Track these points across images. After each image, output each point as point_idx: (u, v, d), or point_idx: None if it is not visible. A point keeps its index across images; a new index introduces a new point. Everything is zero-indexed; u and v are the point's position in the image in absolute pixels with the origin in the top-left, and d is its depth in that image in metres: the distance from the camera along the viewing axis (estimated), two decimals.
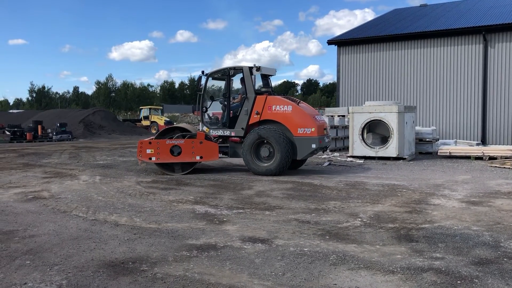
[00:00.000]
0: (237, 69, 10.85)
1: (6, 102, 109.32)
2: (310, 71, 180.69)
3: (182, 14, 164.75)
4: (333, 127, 16.88)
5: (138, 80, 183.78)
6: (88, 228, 5.36)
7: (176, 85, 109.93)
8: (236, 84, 11.14)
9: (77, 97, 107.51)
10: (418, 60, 19.33)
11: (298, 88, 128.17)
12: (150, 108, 39.74)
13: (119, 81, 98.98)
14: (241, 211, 6.36)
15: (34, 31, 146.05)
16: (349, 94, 21.24)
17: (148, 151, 10.05)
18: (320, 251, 4.44)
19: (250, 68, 10.62)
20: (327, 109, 20.72)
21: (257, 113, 10.38)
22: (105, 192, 7.89)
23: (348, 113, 14.48)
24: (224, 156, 10.89)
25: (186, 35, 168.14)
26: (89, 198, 7.36)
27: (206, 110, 11.14)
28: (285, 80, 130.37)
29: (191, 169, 10.34)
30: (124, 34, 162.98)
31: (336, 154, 15.47)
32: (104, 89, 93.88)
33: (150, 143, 10.13)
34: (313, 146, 10.09)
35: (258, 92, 10.64)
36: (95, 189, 8.21)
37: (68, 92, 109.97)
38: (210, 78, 11.18)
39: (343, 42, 21.31)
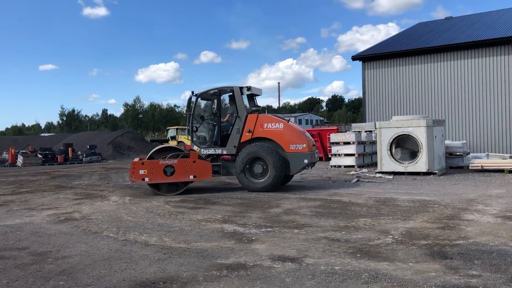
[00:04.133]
0: (228, 89, 11.13)
1: (38, 126, 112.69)
2: (335, 87, 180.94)
3: (206, 35, 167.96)
4: (360, 142, 16.73)
5: (165, 101, 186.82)
6: (119, 248, 5.42)
7: (202, 106, 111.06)
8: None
9: (106, 119, 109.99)
10: (445, 73, 19.08)
11: (323, 104, 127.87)
12: (177, 129, 40.24)
13: (146, 103, 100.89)
14: (269, 229, 6.32)
15: (63, 56, 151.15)
16: (375, 109, 21.07)
17: (141, 171, 9.97)
18: (351, 269, 4.36)
19: (241, 88, 10.91)
20: (353, 124, 20.56)
21: (249, 131, 10.61)
22: (134, 212, 7.98)
23: (376, 128, 14.33)
24: (215, 174, 10.85)
25: (210, 55, 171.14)
26: (119, 218, 7.45)
27: (196, 130, 11.25)
28: (309, 97, 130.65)
29: (184, 189, 10.34)
30: (150, 57, 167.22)
31: (364, 170, 15.29)
32: (132, 110, 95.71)
33: (143, 163, 10.08)
34: (306, 161, 10.38)
35: (248, 111, 10.92)
36: (125, 210, 8.32)
37: (97, 115, 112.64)
38: (199, 98, 11.38)
39: (368, 58, 21.24)
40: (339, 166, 16.54)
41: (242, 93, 10.88)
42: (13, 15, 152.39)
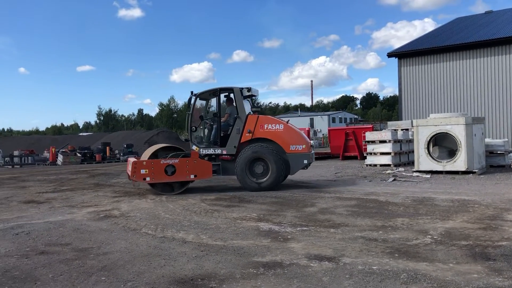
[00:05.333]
0: (227, 90, 11.13)
1: (76, 125, 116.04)
2: (369, 85, 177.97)
3: (238, 35, 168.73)
4: (397, 141, 16.44)
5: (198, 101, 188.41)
6: (157, 245, 5.53)
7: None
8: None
9: (142, 119, 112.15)
10: (485, 69, 18.50)
11: (357, 102, 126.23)
12: None
13: (180, 102, 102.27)
14: (305, 228, 6.31)
15: (99, 58, 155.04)
16: (412, 107, 20.66)
17: (143, 171, 9.94)
18: (389, 269, 4.31)
19: (241, 89, 10.91)
20: (389, 122, 20.23)
21: (249, 132, 10.68)
22: (171, 210, 8.12)
23: (412, 126, 14.04)
24: (214, 174, 10.80)
25: (243, 54, 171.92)
26: (157, 216, 7.60)
27: (196, 130, 11.27)
28: (343, 94, 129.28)
29: (184, 188, 10.38)
30: (184, 57, 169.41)
31: (401, 169, 15.02)
32: (167, 110, 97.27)
33: (144, 163, 10.07)
34: (305, 161, 10.70)
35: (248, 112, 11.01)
36: (162, 207, 8.47)
37: (133, 115, 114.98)
38: (198, 99, 11.35)
39: (404, 54, 20.84)
40: (375, 165, 16.31)
41: (242, 94, 10.92)
42: (51, 19, 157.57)
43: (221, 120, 11.02)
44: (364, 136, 17.48)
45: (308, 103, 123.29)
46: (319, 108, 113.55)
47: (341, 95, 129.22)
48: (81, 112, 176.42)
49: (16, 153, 29.31)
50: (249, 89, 11.00)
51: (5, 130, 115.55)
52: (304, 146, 10.73)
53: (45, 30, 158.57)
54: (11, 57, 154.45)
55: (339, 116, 79.83)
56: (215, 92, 11.11)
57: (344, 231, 6.04)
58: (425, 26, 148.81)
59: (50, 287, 4.01)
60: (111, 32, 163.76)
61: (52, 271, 4.52)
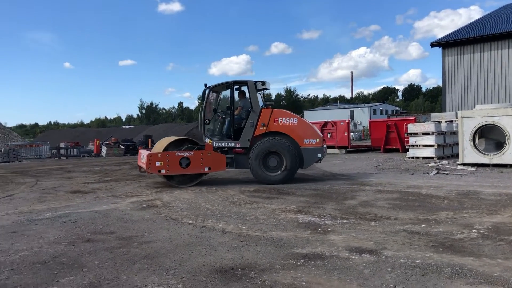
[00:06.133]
0: (241, 83, 11.05)
1: (119, 118, 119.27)
2: (411, 76, 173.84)
3: (277, 27, 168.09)
4: (440, 133, 15.99)
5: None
6: (198, 235, 5.61)
7: (273, 97, 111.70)
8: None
9: (182, 112, 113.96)
10: None
11: (399, 93, 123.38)
12: None
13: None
14: (345, 221, 6.24)
15: (141, 52, 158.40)
16: (456, 98, 20.00)
17: (158, 163, 9.94)
18: (433, 263, 4.20)
19: (255, 82, 10.81)
20: (432, 114, 19.68)
21: (263, 125, 10.65)
22: (211, 201, 8.22)
23: (457, 118, 13.59)
24: (227, 167, 10.77)
25: (281, 46, 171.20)
26: (198, 206, 7.71)
27: (209, 123, 11.19)
28: (384, 86, 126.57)
29: (198, 181, 10.40)
30: (222, 50, 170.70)
31: (444, 162, 14.61)
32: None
33: (159, 155, 10.06)
34: (319, 155, 10.75)
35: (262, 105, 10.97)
36: (203, 198, 8.59)
37: (174, 108, 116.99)
38: (212, 91, 11.23)
39: (448, 43, 20.17)
40: (417, 158, 15.93)
41: (256, 87, 10.86)
42: (94, 14, 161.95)
43: (235, 114, 11.02)
44: (406, 128, 17.07)
45: (348, 95, 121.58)
46: (359, 100, 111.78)
47: (382, 87, 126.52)
48: (123, 106, 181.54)
49: (62, 145, 30.41)
50: (263, 83, 10.95)
51: (52, 123, 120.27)
52: (317, 140, 10.78)
53: (88, 26, 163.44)
54: (56, 52, 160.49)
55: (380, 108, 78.28)
56: (229, 85, 11.05)
57: (385, 224, 5.93)
58: (471, 14, 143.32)
59: (96, 274, 4.14)
60: (151, 27, 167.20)
61: (98, 258, 4.67)
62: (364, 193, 8.73)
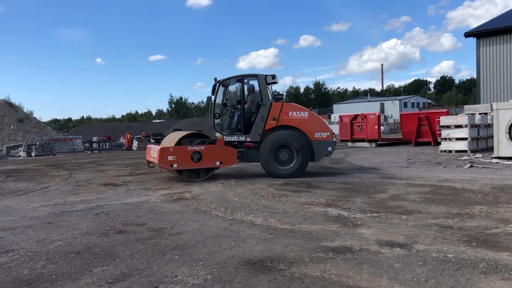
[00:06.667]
0: (251, 77, 10.94)
1: (149, 113, 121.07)
2: (444, 68, 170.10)
3: (305, 19, 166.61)
4: (474, 125, 15.57)
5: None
6: (227, 227, 5.65)
7: (301, 90, 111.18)
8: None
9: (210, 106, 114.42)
10: None
11: (431, 86, 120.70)
12: None
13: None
14: (375, 214, 6.16)
15: (170, 47, 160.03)
16: (491, 89, 19.41)
17: (170, 158, 9.85)
18: (466, 258, 4.10)
19: (265, 76, 10.73)
20: (466, 106, 19.17)
21: (274, 119, 10.62)
22: (240, 194, 8.25)
23: (492, 110, 13.19)
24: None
25: (309, 39, 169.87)
26: (226, 199, 7.76)
27: (219, 117, 11.09)
28: (415, 78, 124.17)
29: (210, 175, 10.34)
30: (250, 44, 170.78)
31: (478, 155, 14.22)
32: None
33: (171, 150, 9.95)
34: (329, 149, 10.79)
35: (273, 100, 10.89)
36: (231, 191, 8.63)
37: (202, 102, 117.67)
38: (222, 86, 11.07)
39: (483, 33, 19.57)
40: (450, 151, 15.56)
41: (266, 81, 10.78)
42: (124, 10, 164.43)
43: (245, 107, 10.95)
44: (439, 121, 16.68)
45: (378, 88, 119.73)
46: (390, 92, 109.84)
47: (413, 79, 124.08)
48: (154, 100, 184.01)
49: (95, 139, 31.12)
50: (273, 76, 10.85)
51: (85, 117, 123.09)
52: (328, 133, 10.80)
53: (119, 22, 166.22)
54: (89, 48, 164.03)
55: (411, 101, 76.78)
56: (239, 79, 10.96)
57: (417, 218, 5.83)
58: (508, 3, 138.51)
59: (128, 264, 4.23)
60: (180, 22, 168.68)
61: (129, 249, 4.76)
62: (394, 186, 8.60)
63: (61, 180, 11.60)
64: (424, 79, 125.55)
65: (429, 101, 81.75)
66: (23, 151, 25.37)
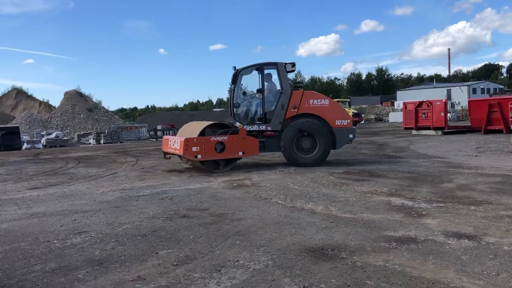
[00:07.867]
0: (271, 65, 10.64)
1: (210, 102, 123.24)
2: None
3: (367, 4, 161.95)
4: None
5: (325, 74, 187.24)
6: (287, 214, 5.67)
7: (363, 77, 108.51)
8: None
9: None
10: None
11: (503, 70, 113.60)
12: (338, 101, 39.92)
13: (307, 77, 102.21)
14: (441, 205, 5.93)
15: (230, 36, 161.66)
16: None
17: (194, 149, 9.62)
18: None
19: (285, 64, 10.49)
20: None
21: (295, 107, 10.48)
22: (299, 182, 8.24)
23: None
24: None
25: (371, 24, 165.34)
26: (286, 186, 7.77)
27: (239, 106, 10.80)
28: (486, 63, 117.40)
29: (231, 166, 10.16)
30: (310, 30, 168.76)
31: None
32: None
33: (195, 140, 9.70)
34: (351, 136, 10.77)
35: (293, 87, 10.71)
36: (291, 179, 8.63)
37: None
38: (241, 74, 10.77)
39: None
40: None
41: (286, 69, 10.56)
42: (184, 1, 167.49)
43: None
44: (511, 108, 15.71)
45: (444, 73, 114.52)
46: (457, 78, 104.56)
47: (483, 64, 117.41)
48: (214, 89, 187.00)
49: (159, 127, 32.16)
50: (293, 64, 10.64)
51: (149, 106, 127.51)
52: (349, 121, 10.83)
53: (180, 13, 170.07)
54: (152, 39, 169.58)
55: (481, 87, 72.71)
56: (259, 68, 10.72)
57: (486, 209, 5.55)
58: None
59: (191, 247, 4.36)
60: (239, 10, 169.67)
61: (193, 233, 4.90)
62: (462, 176, 8.23)
63: (128, 166, 12.12)
64: (496, 63, 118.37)
65: (501, 86, 77.07)
66: (93, 138, 26.77)
